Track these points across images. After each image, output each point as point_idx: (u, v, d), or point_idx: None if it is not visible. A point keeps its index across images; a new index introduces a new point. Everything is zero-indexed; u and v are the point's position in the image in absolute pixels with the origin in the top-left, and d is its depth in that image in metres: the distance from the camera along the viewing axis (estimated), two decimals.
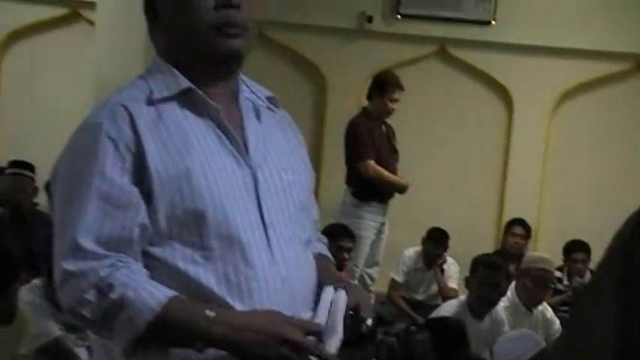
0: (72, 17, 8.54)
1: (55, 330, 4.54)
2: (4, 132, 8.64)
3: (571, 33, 8.09)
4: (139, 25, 6.82)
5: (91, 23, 7.72)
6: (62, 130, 7.48)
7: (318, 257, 1.96)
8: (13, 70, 8.66)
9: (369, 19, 8.22)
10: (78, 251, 1.66)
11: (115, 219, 1.69)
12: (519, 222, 7.56)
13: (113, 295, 1.64)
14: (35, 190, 6.63)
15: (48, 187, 7.14)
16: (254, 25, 1.86)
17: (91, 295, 1.64)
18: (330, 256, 2.04)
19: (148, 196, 1.71)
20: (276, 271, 1.77)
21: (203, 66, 1.82)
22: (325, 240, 2.09)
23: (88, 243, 1.66)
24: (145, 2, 1.88)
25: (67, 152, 1.76)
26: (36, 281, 4.66)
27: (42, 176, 7.07)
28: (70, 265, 1.66)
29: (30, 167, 6.49)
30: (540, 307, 5.44)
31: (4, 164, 7.20)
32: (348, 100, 8.12)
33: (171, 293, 1.67)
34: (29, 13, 8.48)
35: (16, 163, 6.53)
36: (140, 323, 1.63)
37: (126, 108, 1.74)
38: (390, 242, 6.52)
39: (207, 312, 1.66)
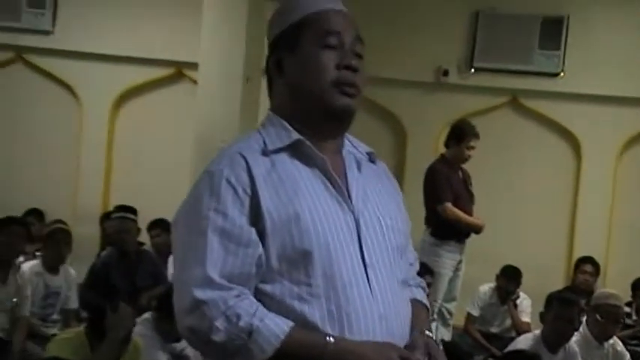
0: (177, 77, 8.72)
1: (164, 359, 4.62)
2: (115, 180, 8.87)
3: (635, 83, 7.96)
4: (236, 85, 7.00)
5: (194, 82, 7.88)
6: (166, 178, 7.67)
7: (412, 302, 1.96)
8: (124, 126, 8.88)
9: (445, 73, 8.24)
10: (208, 282, 1.69)
11: (237, 255, 1.72)
12: (589, 260, 7.41)
13: (241, 324, 1.67)
14: (138, 231, 6.79)
15: (150, 228, 7.33)
16: (364, 88, 1.90)
17: (220, 323, 1.67)
18: (425, 300, 2.04)
19: (261, 236, 1.74)
20: (375, 308, 1.78)
21: (317, 120, 1.85)
22: (423, 284, 2.09)
23: (215, 275, 1.70)
24: (271, 59, 1.91)
25: (192, 195, 1.81)
26: (147, 315, 4.74)
27: (146, 219, 7.27)
28: (201, 294, 1.69)
29: (133, 211, 6.64)
30: (611, 341, 5.30)
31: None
32: (426, 147, 8.13)
33: (292, 323, 1.70)
34: (138, 74, 8.70)
35: (121, 208, 6.68)
36: (268, 349, 1.67)
37: (243, 157, 1.79)
38: (467, 278, 6.45)
39: (328, 338, 1.69)
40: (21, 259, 6.29)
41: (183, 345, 4.78)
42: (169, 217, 6.86)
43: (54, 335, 5.53)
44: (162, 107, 8.76)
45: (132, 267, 6.37)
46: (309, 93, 1.84)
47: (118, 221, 6.54)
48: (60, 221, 6.55)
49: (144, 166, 8.69)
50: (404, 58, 8.15)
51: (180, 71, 8.63)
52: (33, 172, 8.66)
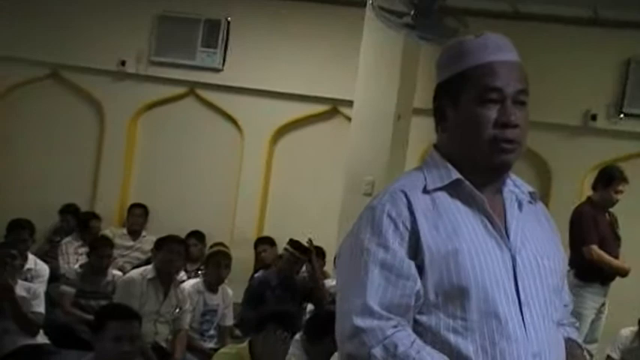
0: (332, 113, 8.80)
1: None
2: (270, 208, 9.01)
3: None
4: (387, 123, 7.03)
5: (348, 119, 7.93)
6: (318, 207, 7.71)
7: (567, 341, 1.90)
8: (281, 157, 9.03)
9: (594, 117, 7.96)
10: (368, 311, 1.69)
11: (397, 287, 1.71)
12: None
13: (399, 354, 1.65)
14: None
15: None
16: (526, 139, 1.84)
17: (377, 352, 1.66)
18: (579, 339, 1.98)
19: (420, 270, 1.73)
20: (529, 347, 1.73)
21: (474, 171, 1.82)
22: (578, 324, 2.04)
23: (375, 305, 1.69)
24: (436, 103, 1.87)
25: (354, 229, 1.80)
26: (297, 337, 4.76)
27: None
28: (360, 322, 1.68)
29: (306, 251, 6.66)
30: None
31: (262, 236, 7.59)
32: (570, 189, 7.86)
33: (447, 358, 1.67)
34: (297, 109, 8.81)
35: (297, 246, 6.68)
36: None
37: (405, 193, 1.78)
38: (609, 321, 6.19)
39: None
40: (184, 276, 6.48)
41: None
42: (319, 243, 6.89)
43: (211, 349, 5.66)
44: (316, 141, 8.85)
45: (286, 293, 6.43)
46: (466, 149, 1.81)
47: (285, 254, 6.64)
48: (221, 244, 6.71)
49: (297, 195, 8.80)
50: (552, 102, 7.90)
51: (335, 108, 8.71)
52: (197, 197, 8.93)
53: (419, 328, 1.72)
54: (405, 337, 1.67)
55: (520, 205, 1.87)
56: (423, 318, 1.72)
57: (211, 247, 6.83)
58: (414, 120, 7.42)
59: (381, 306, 1.69)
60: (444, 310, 1.71)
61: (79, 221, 7.95)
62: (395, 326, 1.68)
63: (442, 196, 1.79)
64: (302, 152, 8.90)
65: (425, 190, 1.79)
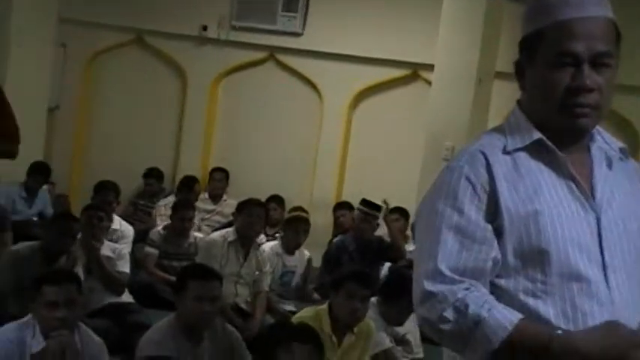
0: (412, 77, 8.71)
1: (387, 342, 4.62)
2: (349, 173, 9.00)
3: None
4: (468, 87, 6.90)
5: (428, 83, 7.83)
6: (397, 173, 7.66)
7: None
8: (360, 122, 8.99)
9: None
10: (439, 275, 1.66)
11: (471, 251, 1.68)
12: None
13: (469, 314, 1.62)
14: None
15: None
16: (609, 102, 1.74)
17: (449, 313, 1.64)
18: None
19: (498, 232, 1.69)
20: (613, 311, 1.67)
21: (550, 131, 1.76)
22: None
23: (447, 270, 1.67)
24: (517, 60, 1.81)
25: (432, 190, 1.77)
26: (372, 299, 4.76)
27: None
28: (431, 287, 1.66)
29: (377, 207, 6.65)
30: None
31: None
32: None
33: (520, 315, 1.63)
34: (376, 73, 8.76)
35: (367, 203, 6.67)
36: (494, 340, 1.61)
37: (484, 154, 1.73)
38: None
39: (556, 332, 1.61)
40: (263, 239, 6.55)
41: (404, 330, 4.77)
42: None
43: (289, 312, 5.72)
44: (396, 106, 8.79)
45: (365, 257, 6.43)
46: (543, 109, 1.75)
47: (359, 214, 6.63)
48: (301, 209, 6.73)
49: (376, 160, 8.77)
50: (634, 63, 7.62)
51: (415, 72, 8.62)
52: (277, 161, 8.99)
53: (497, 291, 1.68)
54: (477, 297, 1.63)
55: (610, 163, 1.80)
56: (502, 281, 1.69)
57: (290, 211, 6.88)
58: (496, 84, 7.28)
59: (454, 270, 1.66)
60: (523, 273, 1.68)
61: (181, 184, 8.17)
62: (467, 288, 1.65)
63: (523, 156, 1.74)
64: (381, 117, 8.84)
65: (505, 151, 1.74)
